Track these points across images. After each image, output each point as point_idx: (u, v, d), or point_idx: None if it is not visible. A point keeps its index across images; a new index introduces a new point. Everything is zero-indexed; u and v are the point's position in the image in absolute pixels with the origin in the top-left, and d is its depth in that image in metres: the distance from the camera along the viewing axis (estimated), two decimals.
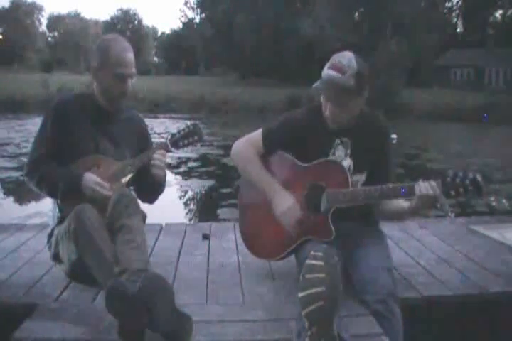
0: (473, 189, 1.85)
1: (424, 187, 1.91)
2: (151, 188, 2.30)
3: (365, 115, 2.20)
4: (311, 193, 2.14)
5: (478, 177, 1.84)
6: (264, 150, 2.24)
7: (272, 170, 2.25)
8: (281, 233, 2.18)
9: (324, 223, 2.08)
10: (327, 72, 2.06)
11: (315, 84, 2.09)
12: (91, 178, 2.12)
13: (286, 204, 2.13)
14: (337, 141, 2.18)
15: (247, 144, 2.27)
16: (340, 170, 2.11)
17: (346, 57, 2.04)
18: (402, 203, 2.09)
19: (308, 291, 1.61)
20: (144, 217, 2.21)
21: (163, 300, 1.66)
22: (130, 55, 2.21)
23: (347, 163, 2.16)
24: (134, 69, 2.22)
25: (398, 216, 2.23)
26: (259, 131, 2.28)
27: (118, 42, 2.22)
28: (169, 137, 2.30)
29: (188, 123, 2.34)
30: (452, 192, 1.88)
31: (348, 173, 2.10)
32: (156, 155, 2.21)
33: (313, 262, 1.65)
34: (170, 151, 2.28)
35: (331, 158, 2.17)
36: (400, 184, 2.02)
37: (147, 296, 1.63)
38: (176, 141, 2.29)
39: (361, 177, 2.18)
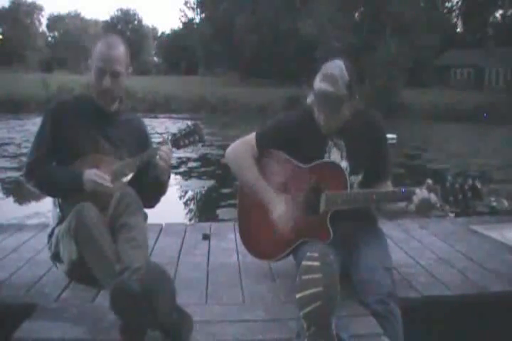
0: (473, 196, 1.86)
1: (422, 194, 1.92)
2: (152, 188, 2.29)
3: (358, 114, 2.20)
4: (310, 194, 2.15)
5: (478, 184, 1.85)
6: (259, 153, 2.26)
7: (269, 170, 2.25)
8: (279, 234, 2.18)
9: (322, 225, 2.08)
10: (319, 85, 2.07)
11: (309, 99, 2.11)
12: (91, 171, 2.12)
13: (280, 209, 2.14)
14: (331, 143, 2.19)
15: (242, 148, 2.28)
16: (339, 172, 2.11)
17: (337, 68, 2.05)
18: (400, 203, 2.09)
19: (306, 292, 1.61)
20: (145, 217, 2.21)
21: (164, 293, 1.66)
22: (114, 52, 2.18)
23: (343, 165, 2.16)
24: (118, 67, 2.18)
25: (395, 214, 2.24)
26: (253, 134, 2.29)
27: (107, 39, 2.23)
28: (170, 137, 2.29)
29: (189, 123, 2.34)
30: (451, 198, 1.89)
31: (346, 175, 2.11)
32: (162, 148, 2.19)
33: (309, 263, 1.66)
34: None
35: (329, 159, 2.17)
36: (399, 188, 2.02)
37: (150, 289, 1.62)
38: (177, 141, 2.28)
39: (357, 178, 2.18)
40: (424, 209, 1.96)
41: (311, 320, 1.59)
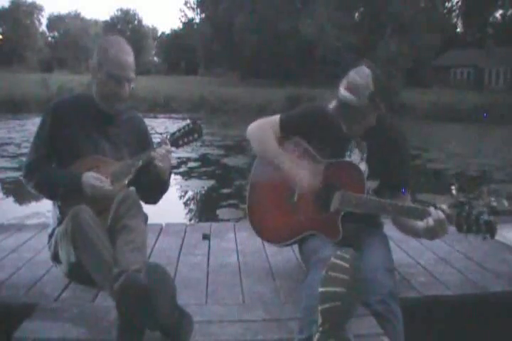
0: (486, 230, 1.86)
1: (436, 214, 1.88)
2: (153, 187, 2.28)
3: (382, 120, 2.17)
4: (323, 190, 2.13)
5: (493, 219, 1.85)
6: (281, 135, 2.24)
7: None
8: (291, 219, 2.18)
9: (333, 223, 2.08)
10: (343, 93, 2.00)
11: (331, 105, 2.07)
12: (90, 175, 2.11)
13: (302, 175, 2.11)
14: (353, 142, 2.17)
15: (266, 125, 2.27)
16: (357, 175, 2.09)
17: (363, 76, 1.99)
18: (418, 222, 2.01)
19: (329, 288, 1.62)
20: (145, 218, 2.21)
21: (165, 293, 1.66)
22: (129, 58, 2.19)
23: (362, 168, 2.14)
24: (132, 74, 2.19)
25: (413, 233, 2.14)
26: (276, 116, 2.28)
27: (118, 44, 2.21)
28: (169, 136, 2.29)
29: (188, 121, 2.33)
30: (465, 227, 1.88)
31: (365, 179, 2.09)
32: (159, 150, 2.19)
33: (339, 262, 1.67)
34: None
35: (350, 159, 2.15)
36: (415, 206, 1.99)
37: (151, 289, 1.62)
38: (176, 140, 2.28)
39: (373, 184, 2.14)
40: (435, 232, 1.91)
41: (327, 316, 1.60)
